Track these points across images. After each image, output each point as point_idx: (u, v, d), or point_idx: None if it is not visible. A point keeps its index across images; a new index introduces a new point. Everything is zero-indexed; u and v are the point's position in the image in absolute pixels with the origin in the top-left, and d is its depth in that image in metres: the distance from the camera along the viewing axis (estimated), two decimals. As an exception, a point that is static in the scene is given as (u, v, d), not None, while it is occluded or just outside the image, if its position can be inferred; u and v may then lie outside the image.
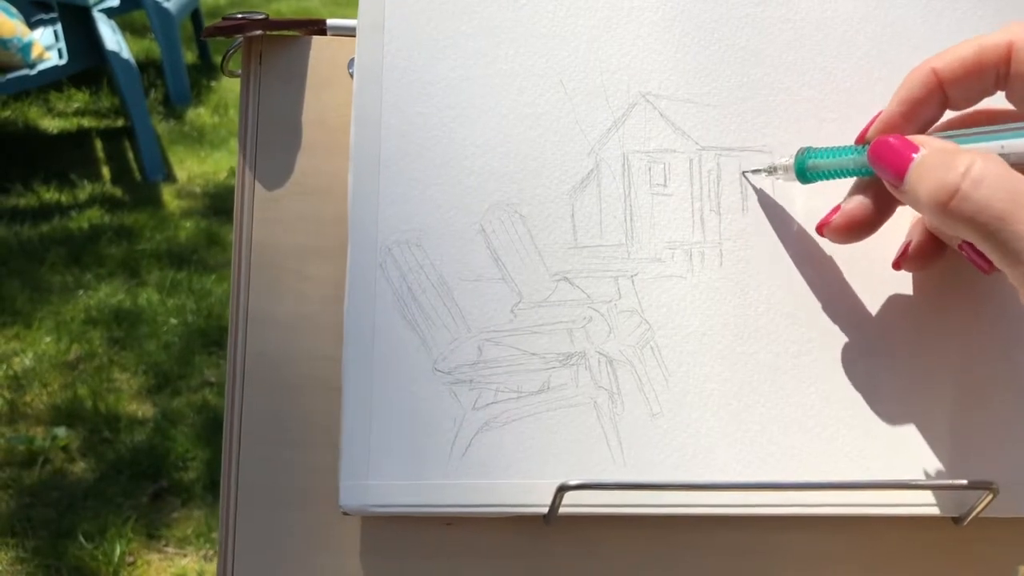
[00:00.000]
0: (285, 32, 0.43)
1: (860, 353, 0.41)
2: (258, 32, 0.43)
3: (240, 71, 0.44)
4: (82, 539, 1.51)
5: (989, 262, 0.36)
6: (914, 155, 0.34)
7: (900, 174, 0.34)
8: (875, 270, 0.41)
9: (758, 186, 0.42)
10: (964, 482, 0.38)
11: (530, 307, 0.41)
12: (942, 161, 0.33)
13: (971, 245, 0.37)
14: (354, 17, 0.43)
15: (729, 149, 0.42)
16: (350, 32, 0.43)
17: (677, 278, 0.41)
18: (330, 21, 0.44)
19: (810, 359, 0.40)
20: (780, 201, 0.42)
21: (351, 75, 0.43)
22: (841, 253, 0.41)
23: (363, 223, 0.41)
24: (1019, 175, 0.32)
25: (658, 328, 0.41)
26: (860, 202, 0.39)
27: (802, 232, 0.41)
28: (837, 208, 0.39)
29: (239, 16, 0.42)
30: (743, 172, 0.42)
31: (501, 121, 0.42)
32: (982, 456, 0.40)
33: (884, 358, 0.40)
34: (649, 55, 0.42)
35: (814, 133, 0.42)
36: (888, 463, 0.40)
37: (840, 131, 0.42)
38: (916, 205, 0.34)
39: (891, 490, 0.39)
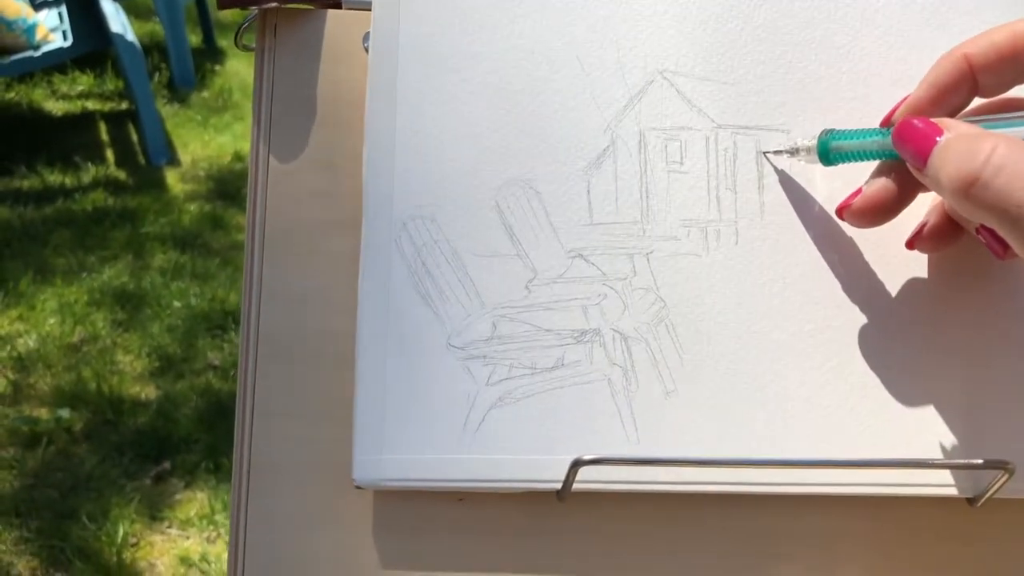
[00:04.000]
0: (300, 5, 0.43)
1: (875, 333, 0.40)
2: (273, 5, 0.42)
3: (254, 45, 0.44)
4: (85, 520, 1.52)
5: (1004, 247, 0.36)
6: (938, 138, 0.34)
7: (923, 157, 0.34)
8: (892, 251, 0.41)
9: (779, 167, 0.41)
10: (980, 461, 0.38)
11: (545, 283, 0.40)
12: (965, 146, 0.33)
13: (989, 230, 0.37)
14: None
15: (746, 127, 0.42)
16: (366, 6, 0.43)
17: (692, 256, 0.41)
18: (346, -5, 0.43)
19: (825, 338, 0.40)
20: (800, 183, 0.41)
21: (366, 49, 0.43)
22: (859, 234, 0.41)
23: (378, 198, 0.41)
24: None
25: (673, 306, 0.40)
26: (882, 185, 0.38)
27: (822, 213, 0.41)
28: (858, 191, 0.39)
29: (254, -12, 0.42)
30: (764, 152, 0.41)
31: (517, 97, 0.42)
32: (998, 436, 0.40)
33: (899, 338, 0.40)
34: (666, 32, 0.42)
35: (831, 112, 0.42)
36: (903, 442, 0.40)
37: (857, 110, 0.42)
38: (938, 189, 0.34)
39: (906, 469, 0.39)
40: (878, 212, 0.38)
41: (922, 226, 0.40)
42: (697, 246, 0.41)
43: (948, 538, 0.41)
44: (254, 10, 0.43)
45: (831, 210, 0.41)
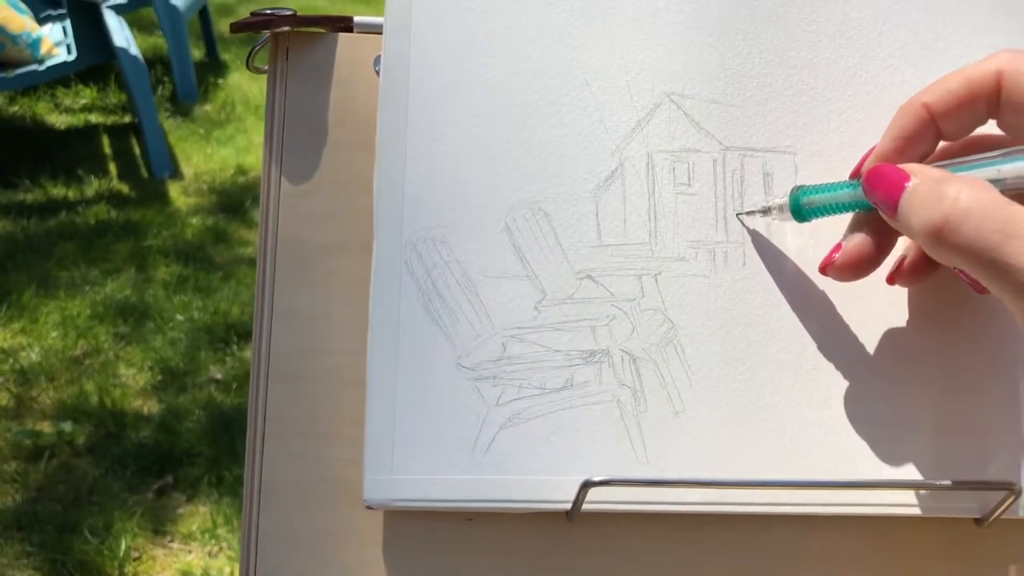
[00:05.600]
0: (312, 29, 0.44)
1: (883, 354, 0.41)
2: (285, 28, 0.43)
3: (266, 67, 0.44)
4: (87, 534, 1.52)
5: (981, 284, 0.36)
6: (906, 184, 0.34)
7: (894, 204, 0.34)
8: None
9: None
10: (987, 482, 0.38)
11: (554, 304, 0.41)
12: (932, 191, 0.33)
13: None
14: (363, 14, 0.44)
15: (753, 149, 0.42)
16: (376, 29, 0.43)
17: (700, 277, 0.41)
18: (357, 18, 0.44)
19: (832, 359, 0.41)
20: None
21: (377, 72, 0.43)
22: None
23: (388, 219, 0.41)
24: (1009, 202, 0.32)
25: (681, 327, 0.41)
26: (861, 239, 0.38)
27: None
28: (838, 247, 0.39)
29: (267, 12, 0.42)
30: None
31: (526, 120, 0.42)
32: (1005, 457, 0.40)
33: (907, 359, 0.41)
34: (674, 55, 0.43)
35: (838, 134, 0.42)
36: (910, 463, 0.40)
37: (864, 133, 0.42)
38: (911, 235, 0.34)
39: (913, 490, 0.39)
40: (860, 265, 0.38)
41: (901, 260, 0.40)
42: (705, 267, 0.41)
43: (954, 559, 0.41)
44: (266, 33, 0.43)
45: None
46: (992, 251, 0.31)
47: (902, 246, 0.40)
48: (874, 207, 0.36)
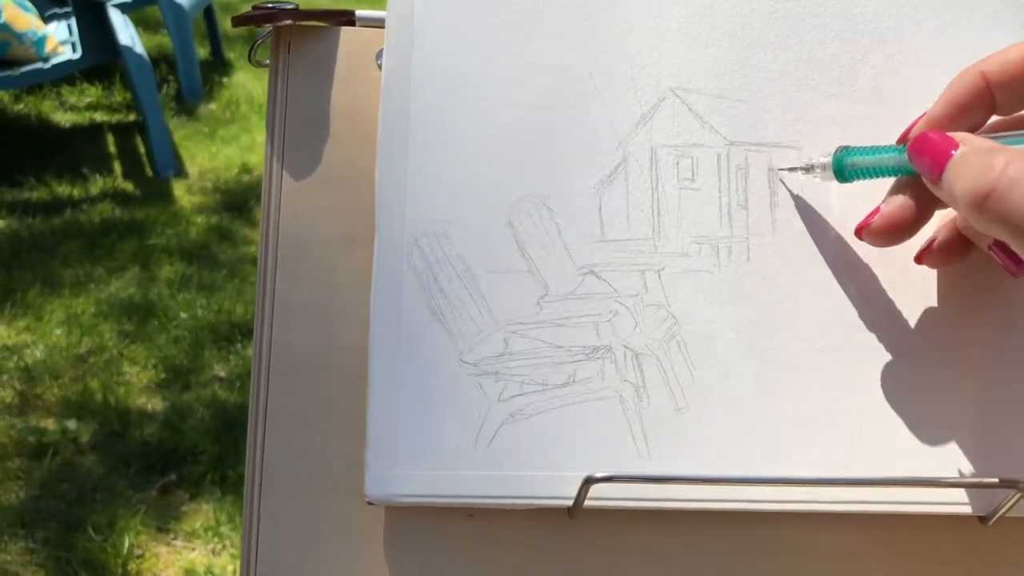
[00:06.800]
0: (314, 23, 0.44)
1: (887, 350, 0.40)
2: (287, 22, 0.43)
3: (268, 61, 0.44)
4: (91, 531, 1.52)
5: (1018, 265, 0.36)
6: (953, 151, 0.34)
7: (939, 170, 0.34)
8: (903, 269, 0.41)
9: (791, 183, 0.41)
10: (992, 480, 0.38)
11: (556, 300, 0.41)
12: (980, 159, 0.33)
13: (1001, 247, 0.37)
14: (365, 8, 0.43)
15: (758, 144, 0.42)
16: (379, 23, 0.43)
17: (704, 273, 0.41)
18: (359, 12, 0.44)
19: (836, 355, 0.40)
20: (814, 203, 0.41)
21: (379, 66, 0.43)
22: (871, 253, 0.41)
23: (390, 214, 0.41)
24: None
25: (684, 322, 0.41)
26: (901, 202, 0.38)
27: (838, 236, 0.41)
28: (876, 210, 0.39)
29: (269, 6, 0.42)
30: (778, 169, 0.41)
31: (529, 114, 0.42)
32: (1011, 455, 0.40)
33: (912, 356, 0.40)
34: (678, 50, 0.42)
35: (843, 129, 0.42)
36: (914, 460, 0.39)
37: (868, 128, 0.42)
38: (953, 202, 0.34)
39: (917, 487, 0.39)
40: (897, 230, 0.38)
41: (931, 241, 0.40)
42: (709, 263, 0.41)
43: (960, 556, 0.41)
44: (268, 27, 0.43)
45: (844, 231, 0.41)
46: None
47: (934, 227, 0.39)
48: (917, 173, 0.36)
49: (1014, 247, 0.32)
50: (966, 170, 0.33)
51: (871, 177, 0.38)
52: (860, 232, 0.39)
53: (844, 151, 0.39)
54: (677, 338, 0.40)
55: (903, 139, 0.39)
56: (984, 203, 0.32)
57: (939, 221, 0.40)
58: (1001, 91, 0.36)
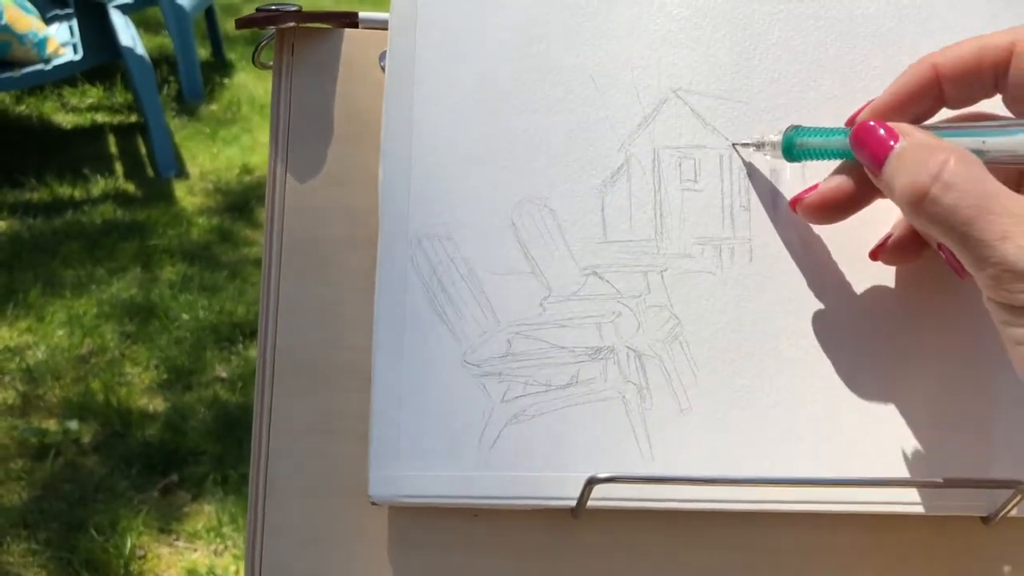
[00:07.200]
0: (317, 25, 0.44)
1: (891, 351, 0.40)
2: (291, 24, 0.43)
3: (272, 63, 0.44)
4: (93, 532, 1.52)
5: (963, 267, 0.35)
6: (893, 144, 0.34)
7: (879, 162, 0.34)
8: (907, 269, 0.41)
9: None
10: (994, 481, 0.38)
11: (559, 301, 0.41)
12: (918, 156, 0.33)
13: (945, 247, 0.37)
14: (368, 10, 0.44)
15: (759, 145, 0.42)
16: (382, 25, 0.43)
17: (706, 274, 0.41)
18: (362, 14, 0.44)
19: (838, 356, 0.40)
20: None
21: (383, 68, 0.43)
22: (872, 245, 0.41)
23: (394, 216, 0.41)
24: (990, 177, 0.32)
25: (687, 323, 0.41)
26: (839, 183, 0.38)
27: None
28: (815, 187, 0.39)
29: (272, 7, 0.42)
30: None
31: (531, 116, 0.42)
32: (1013, 456, 0.40)
33: (915, 356, 0.40)
34: (680, 51, 0.42)
35: (845, 131, 0.42)
36: (917, 461, 0.40)
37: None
38: (892, 197, 0.34)
39: (920, 488, 0.39)
40: (830, 209, 0.38)
41: (887, 238, 0.40)
42: (711, 264, 0.41)
43: (961, 557, 0.41)
44: (271, 29, 0.43)
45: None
46: (966, 225, 0.31)
47: (893, 224, 0.40)
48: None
49: (949, 247, 0.32)
50: (903, 167, 0.33)
51: (818, 158, 0.38)
52: (794, 204, 0.40)
53: (794, 130, 0.39)
54: (680, 339, 0.41)
55: (851, 122, 0.39)
56: (920, 203, 0.32)
57: (896, 217, 0.40)
58: (951, 85, 0.36)
